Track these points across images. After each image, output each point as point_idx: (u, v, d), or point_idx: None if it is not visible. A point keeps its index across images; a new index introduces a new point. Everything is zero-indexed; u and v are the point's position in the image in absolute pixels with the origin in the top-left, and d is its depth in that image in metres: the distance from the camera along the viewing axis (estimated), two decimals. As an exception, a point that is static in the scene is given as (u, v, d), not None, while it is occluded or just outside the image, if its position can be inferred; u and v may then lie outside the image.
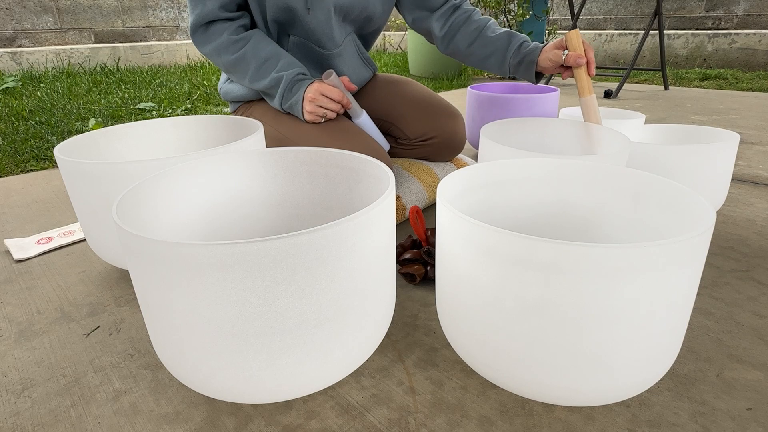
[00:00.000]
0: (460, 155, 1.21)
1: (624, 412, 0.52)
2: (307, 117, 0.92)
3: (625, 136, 0.80)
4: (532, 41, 1.04)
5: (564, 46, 0.92)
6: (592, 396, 0.45)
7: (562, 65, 0.93)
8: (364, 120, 1.00)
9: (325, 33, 0.96)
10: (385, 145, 1.04)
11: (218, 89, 1.11)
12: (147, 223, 0.56)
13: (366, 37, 1.10)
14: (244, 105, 1.06)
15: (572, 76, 0.94)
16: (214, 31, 0.91)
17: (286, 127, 0.95)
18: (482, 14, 1.07)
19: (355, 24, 1.02)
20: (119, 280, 0.80)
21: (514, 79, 3.41)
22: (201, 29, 0.92)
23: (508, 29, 1.01)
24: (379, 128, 1.13)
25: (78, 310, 0.72)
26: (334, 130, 0.93)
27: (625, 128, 1.05)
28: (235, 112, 1.09)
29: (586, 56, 0.89)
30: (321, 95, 0.90)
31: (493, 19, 1.04)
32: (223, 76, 1.09)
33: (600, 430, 0.50)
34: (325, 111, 0.92)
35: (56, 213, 1.07)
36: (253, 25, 0.97)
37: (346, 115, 1.02)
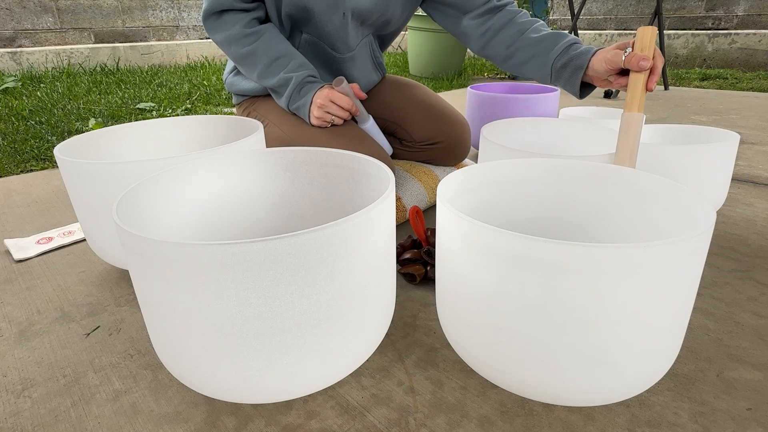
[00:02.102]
0: (459, 155, 1.21)
1: (624, 412, 0.52)
2: (314, 122, 0.92)
3: (625, 136, 0.79)
4: None
5: (627, 46, 0.74)
6: (592, 396, 0.45)
7: (620, 71, 0.76)
8: (370, 126, 1.00)
9: (340, 37, 0.95)
10: (389, 149, 1.04)
11: (223, 79, 1.10)
12: (147, 223, 0.56)
13: (384, 38, 1.09)
14: (249, 100, 1.06)
15: (626, 86, 0.73)
16: (227, 20, 0.90)
17: (290, 128, 0.95)
18: None
19: (373, 27, 1.01)
20: (119, 280, 0.80)
21: (514, 79, 3.40)
22: (213, 16, 0.91)
23: (559, 30, 0.90)
24: (385, 130, 1.13)
25: (78, 310, 0.72)
26: (338, 133, 0.93)
27: (625, 128, 1.05)
28: (238, 106, 1.08)
29: (653, 62, 0.70)
30: (330, 102, 0.90)
31: (542, 21, 0.92)
32: (229, 66, 1.08)
33: (600, 430, 0.50)
34: (333, 117, 0.91)
35: (56, 213, 1.07)
36: (267, 18, 0.96)
37: (353, 119, 1.02)
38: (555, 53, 0.84)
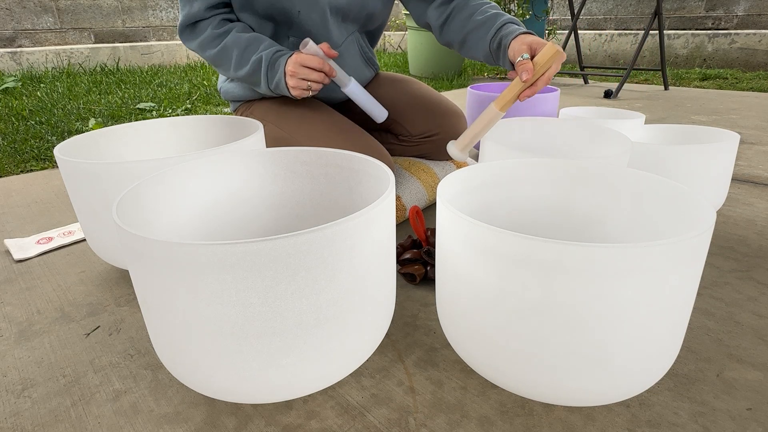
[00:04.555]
0: (460, 155, 1.21)
1: (624, 412, 0.52)
2: (293, 92, 0.88)
3: (625, 136, 0.80)
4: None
5: (534, 51, 0.77)
6: (592, 396, 0.45)
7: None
8: (353, 87, 0.93)
9: (322, 34, 0.95)
10: (383, 112, 0.98)
11: (218, 88, 1.11)
12: (147, 223, 0.56)
13: (371, 33, 1.10)
14: (245, 104, 1.06)
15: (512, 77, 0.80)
16: (201, 28, 0.92)
17: (288, 127, 0.95)
18: None
19: (357, 23, 1.01)
20: (119, 280, 0.80)
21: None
22: (188, 29, 0.92)
23: (499, 11, 0.90)
24: (381, 126, 1.13)
25: (78, 310, 0.72)
26: (336, 130, 0.92)
27: (625, 128, 1.05)
28: (235, 112, 1.09)
29: (537, 79, 0.75)
30: (301, 67, 0.85)
31: (492, 2, 0.93)
32: (222, 75, 1.09)
33: (600, 430, 0.50)
34: (309, 83, 0.86)
35: (56, 213, 1.07)
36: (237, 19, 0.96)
37: (334, 84, 0.96)
38: (489, 36, 0.89)
